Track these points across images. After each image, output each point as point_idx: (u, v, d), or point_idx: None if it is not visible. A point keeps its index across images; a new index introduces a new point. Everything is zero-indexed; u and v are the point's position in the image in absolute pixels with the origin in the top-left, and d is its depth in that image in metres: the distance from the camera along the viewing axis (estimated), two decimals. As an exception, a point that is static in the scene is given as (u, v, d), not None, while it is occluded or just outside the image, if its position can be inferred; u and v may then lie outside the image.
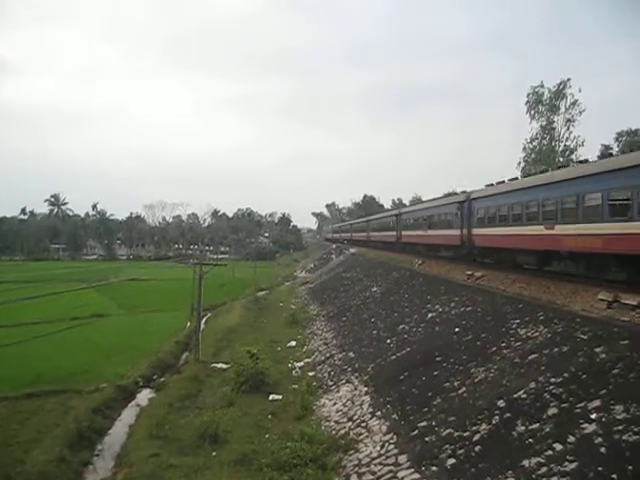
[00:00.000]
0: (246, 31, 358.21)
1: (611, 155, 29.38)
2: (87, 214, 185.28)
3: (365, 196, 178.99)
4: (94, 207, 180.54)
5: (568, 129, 65.37)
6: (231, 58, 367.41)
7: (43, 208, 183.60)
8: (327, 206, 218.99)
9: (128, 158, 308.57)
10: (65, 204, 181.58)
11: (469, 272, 33.18)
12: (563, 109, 65.41)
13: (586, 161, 26.80)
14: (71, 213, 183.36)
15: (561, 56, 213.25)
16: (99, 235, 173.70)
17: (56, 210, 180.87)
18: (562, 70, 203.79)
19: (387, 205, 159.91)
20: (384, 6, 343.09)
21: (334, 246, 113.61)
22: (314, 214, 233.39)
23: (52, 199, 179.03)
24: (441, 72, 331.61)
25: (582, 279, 23.79)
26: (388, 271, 49.33)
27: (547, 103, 65.98)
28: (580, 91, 64.81)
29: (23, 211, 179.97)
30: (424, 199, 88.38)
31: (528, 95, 67.40)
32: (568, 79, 65.37)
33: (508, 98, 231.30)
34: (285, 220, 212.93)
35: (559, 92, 65.24)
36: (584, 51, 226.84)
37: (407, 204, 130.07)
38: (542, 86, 66.62)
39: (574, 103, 64.56)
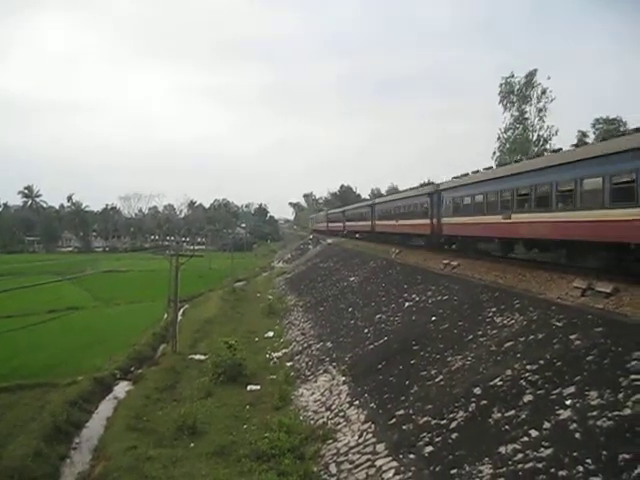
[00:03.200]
0: (222, 20, 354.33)
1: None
2: (62, 206, 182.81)
3: (342, 186, 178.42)
4: (69, 199, 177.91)
5: (541, 119, 65.93)
6: (206, 47, 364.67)
7: (17, 200, 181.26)
8: (305, 196, 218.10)
9: (103, 149, 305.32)
10: (39, 196, 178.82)
11: (445, 261, 33.37)
12: (535, 99, 65.93)
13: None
14: (45, 205, 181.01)
15: (543, 46, 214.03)
16: (74, 227, 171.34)
17: (30, 202, 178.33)
18: (544, 60, 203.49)
19: (364, 195, 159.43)
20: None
21: (311, 236, 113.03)
22: (291, 204, 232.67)
23: (26, 191, 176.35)
24: (421, 62, 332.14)
25: (557, 267, 24.13)
26: (365, 261, 49.46)
27: (518, 93, 66.44)
28: (549, 78, 65.37)
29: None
30: (401, 189, 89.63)
31: (500, 86, 67.86)
32: (535, 69, 65.99)
33: (489, 88, 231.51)
34: (262, 211, 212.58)
35: (529, 82, 65.70)
36: (567, 39, 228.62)
37: (385, 194, 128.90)
38: (513, 76, 67.04)
39: (544, 92, 65.07)
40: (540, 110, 65.54)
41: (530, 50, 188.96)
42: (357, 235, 73.93)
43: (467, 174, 35.84)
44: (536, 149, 61.85)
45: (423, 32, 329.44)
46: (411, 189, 49.56)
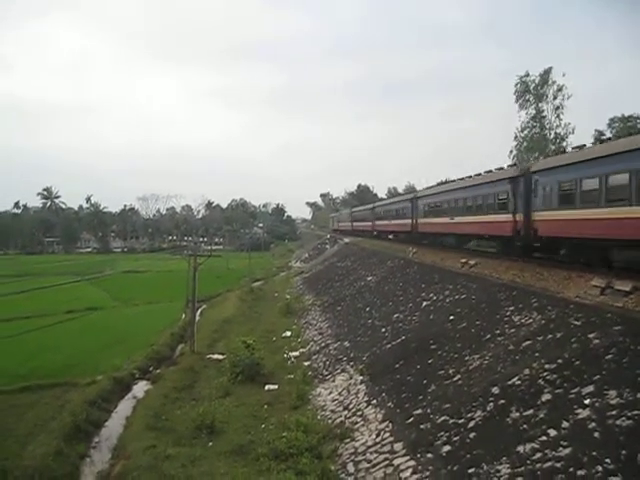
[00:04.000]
0: (235, 23, 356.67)
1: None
2: (81, 207, 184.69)
3: (359, 185, 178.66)
4: (88, 200, 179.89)
5: (558, 117, 65.41)
6: (221, 49, 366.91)
7: (36, 202, 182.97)
8: (322, 196, 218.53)
9: (121, 151, 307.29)
10: (58, 197, 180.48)
11: (463, 260, 33.19)
12: (551, 97, 65.43)
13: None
14: (64, 206, 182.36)
15: (554, 42, 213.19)
16: (93, 228, 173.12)
17: (49, 203, 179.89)
18: (555, 57, 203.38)
19: (381, 194, 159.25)
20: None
21: (328, 236, 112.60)
22: (308, 204, 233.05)
23: (45, 192, 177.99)
24: (433, 61, 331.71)
25: (575, 266, 23.84)
26: (382, 260, 49.36)
27: (534, 92, 65.99)
28: (564, 75, 64.76)
29: (16, 205, 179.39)
30: (418, 188, 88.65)
31: (516, 85, 67.46)
32: (550, 67, 65.48)
33: (502, 85, 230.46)
34: (279, 210, 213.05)
35: (544, 80, 65.24)
36: (580, 36, 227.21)
37: (402, 192, 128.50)
38: (528, 75, 66.59)
39: (560, 89, 64.57)
40: (557, 108, 65.09)
41: (540, 48, 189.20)
42: (391, 236, 62.62)
43: (581, 146, 26.47)
44: (554, 147, 61.45)
45: (433, 32, 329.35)
46: (478, 175, 36.73)
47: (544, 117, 65.98)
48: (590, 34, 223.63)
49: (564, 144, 61.58)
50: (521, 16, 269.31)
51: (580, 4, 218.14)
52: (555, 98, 64.91)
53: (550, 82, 64.88)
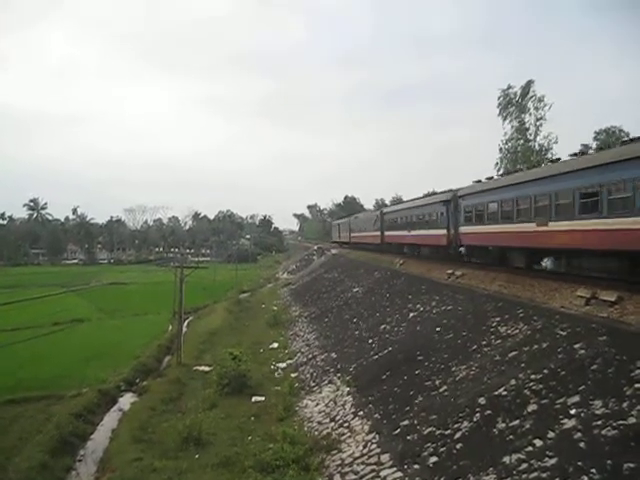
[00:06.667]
0: (226, 32, 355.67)
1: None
2: (67, 218, 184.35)
3: (346, 197, 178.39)
4: (74, 211, 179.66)
5: (537, 128, 65.98)
6: (210, 59, 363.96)
7: (22, 213, 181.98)
8: (309, 207, 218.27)
9: (109, 160, 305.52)
10: (44, 208, 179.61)
11: (449, 271, 33.33)
12: (532, 109, 66.01)
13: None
14: (50, 217, 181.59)
15: (549, 53, 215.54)
16: (79, 239, 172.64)
17: (35, 215, 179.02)
18: (550, 68, 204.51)
19: (368, 206, 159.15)
20: (368, 5, 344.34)
21: (315, 247, 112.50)
22: (295, 215, 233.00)
23: (31, 203, 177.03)
24: (425, 71, 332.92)
25: (561, 276, 23.99)
26: (369, 271, 49.47)
27: (516, 105, 66.56)
28: (533, 81, 65.67)
29: (2, 216, 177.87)
30: (405, 199, 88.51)
31: (499, 98, 68.02)
32: (531, 80, 66.15)
33: (490, 97, 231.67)
34: (266, 222, 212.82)
35: (525, 93, 65.82)
36: (576, 48, 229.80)
37: (389, 204, 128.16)
38: (510, 88, 67.15)
39: (540, 100, 65.19)
40: (539, 119, 65.68)
41: (535, 58, 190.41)
42: (545, 263, 28.05)
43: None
44: (538, 158, 61.88)
45: (425, 42, 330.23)
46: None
47: (527, 129, 66.56)
48: (589, 42, 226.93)
49: (548, 155, 62.14)
50: (520, 26, 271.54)
51: (579, 12, 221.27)
52: (537, 109, 65.53)
53: (531, 94, 65.54)
